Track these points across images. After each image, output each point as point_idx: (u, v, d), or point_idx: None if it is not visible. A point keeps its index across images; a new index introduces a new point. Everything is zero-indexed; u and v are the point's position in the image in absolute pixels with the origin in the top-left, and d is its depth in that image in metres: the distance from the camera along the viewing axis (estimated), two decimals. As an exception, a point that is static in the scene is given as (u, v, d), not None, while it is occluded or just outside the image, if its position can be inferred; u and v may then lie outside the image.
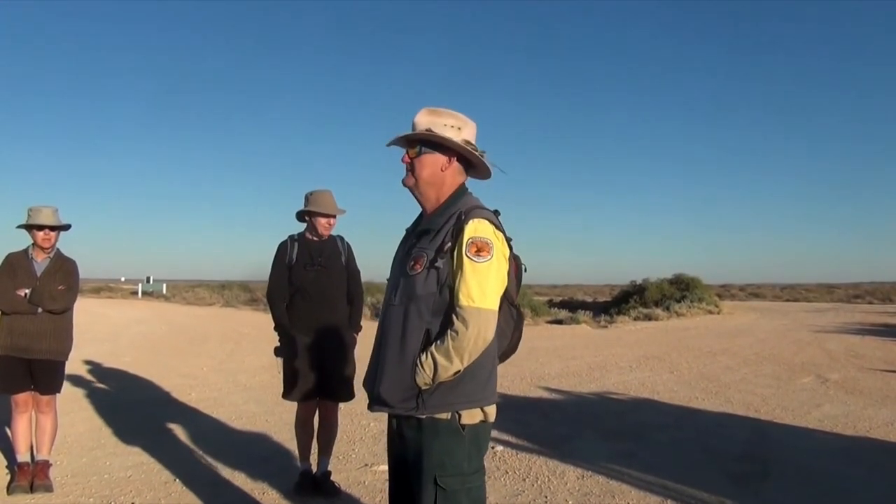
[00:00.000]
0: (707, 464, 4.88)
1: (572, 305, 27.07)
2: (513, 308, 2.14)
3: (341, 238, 4.35)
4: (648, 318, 21.45)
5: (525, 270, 2.21)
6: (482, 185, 2.27)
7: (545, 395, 7.89)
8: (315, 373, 4.04)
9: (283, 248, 4.23)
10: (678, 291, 25.37)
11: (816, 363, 10.76)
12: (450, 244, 1.99)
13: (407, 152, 2.15)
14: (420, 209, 2.20)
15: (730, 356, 11.66)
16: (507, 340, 2.18)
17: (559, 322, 19.70)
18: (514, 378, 8.93)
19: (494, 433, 5.63)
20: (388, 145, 2.17)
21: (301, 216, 4.26)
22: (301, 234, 4.26)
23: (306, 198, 4.21)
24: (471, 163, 2.17)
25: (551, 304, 28.23)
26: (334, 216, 4.19)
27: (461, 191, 2.15)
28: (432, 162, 2.12)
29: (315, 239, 4.22)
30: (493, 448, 5.18)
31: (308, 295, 4.11)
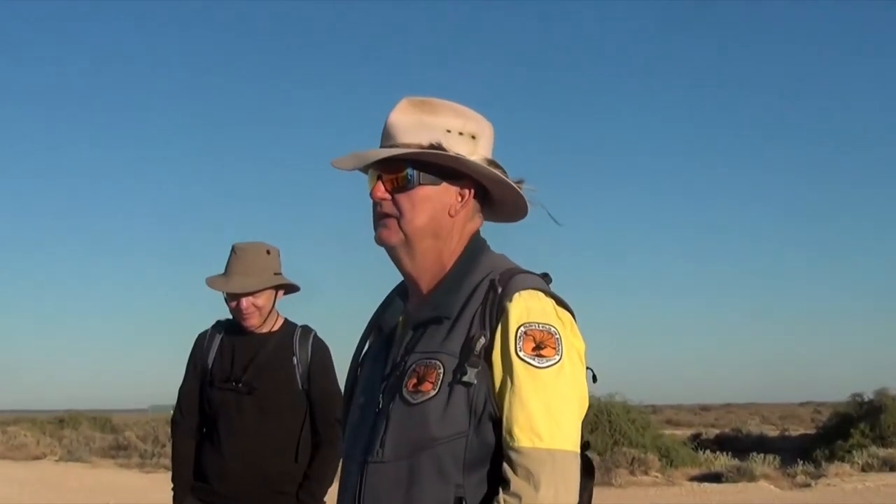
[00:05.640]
0: None
1: (740, 444, 24.72)
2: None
3: (306, 332, 3.77)
4: (890, 465, 18.55)
5: (594, 381, 1.79)
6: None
7: None
8: None
9: (198, 344, 3.85)
10: (947, 413, 22.31)
11: None
12: (484, 340, 1.60)
13: (380, 180, 1.70)
14: (401, 278, 1.83)
15: None
16: None
17: (717, 478, 17.50)
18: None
19: None
20: (349, 168, 1.72)
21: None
22: (231, 321, 3.81)
23: None
24: (487, 195, 1.79)
25: (698, 442, 25.55)
26: (254, 293, 3.58)
27: (477, 245, 1.77)
28: (434, 199, 1.70)
29: (249, 332, 3.73)
30: None
31: (217, 433, 3.66)
